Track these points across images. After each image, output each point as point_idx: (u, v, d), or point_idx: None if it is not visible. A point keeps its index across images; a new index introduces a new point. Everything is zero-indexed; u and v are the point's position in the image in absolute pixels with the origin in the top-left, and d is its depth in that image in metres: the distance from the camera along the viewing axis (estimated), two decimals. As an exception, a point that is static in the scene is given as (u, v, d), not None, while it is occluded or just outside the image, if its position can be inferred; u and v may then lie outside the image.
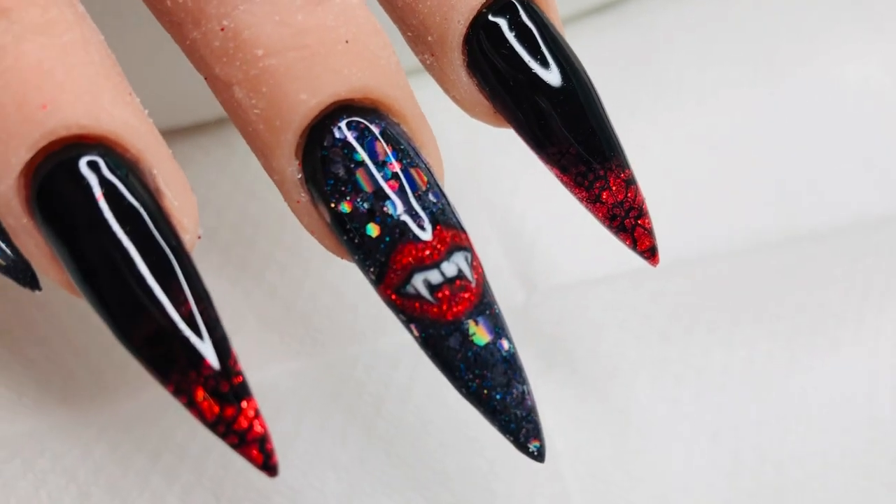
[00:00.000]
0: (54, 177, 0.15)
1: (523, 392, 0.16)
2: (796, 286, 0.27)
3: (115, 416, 0.24)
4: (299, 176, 0.16)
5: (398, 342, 0.25)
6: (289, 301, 0.26)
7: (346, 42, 0.16)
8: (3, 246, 0.16)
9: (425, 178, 0.16)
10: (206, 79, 0.16)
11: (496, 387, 0.16)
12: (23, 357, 0.25)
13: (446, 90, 0.18)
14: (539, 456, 0.16)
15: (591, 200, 0.18)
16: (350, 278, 0.26)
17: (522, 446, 0.16)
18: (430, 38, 0.18)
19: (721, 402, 0.25)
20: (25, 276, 0.16)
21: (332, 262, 0.27)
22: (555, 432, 0.24)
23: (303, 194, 0.16)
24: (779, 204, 0.28)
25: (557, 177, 0.18)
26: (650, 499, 0.23)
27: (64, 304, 0.26)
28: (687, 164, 0.28)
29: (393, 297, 0.16)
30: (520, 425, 0.16)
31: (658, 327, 0.26)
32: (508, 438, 0.16)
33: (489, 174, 0.27)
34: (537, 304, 0.26)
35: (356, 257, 0.16)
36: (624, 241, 0.18)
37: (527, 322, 0.25)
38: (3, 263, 0.16)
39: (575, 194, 0.18)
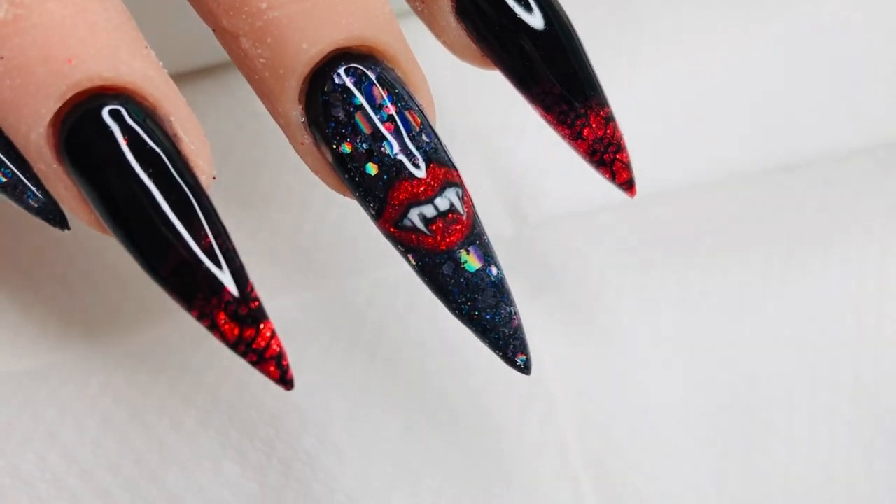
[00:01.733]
0: (81, 125, 0.16)
1: (510, 312, 0.18)
2: (769, 216, 0.28)
3: (133, 347, 0.25)
4: (303, 119, 0.17)
5: (396, 275, 0.27)
6: (291, 239, 0.27)
7: (342, -6, 0.17)
8: (35, 190, 0.17)
9: (419, 120, 0.17)
10: (213, 30, 0.18)
11: (486, 308, 0.17)
12: (44, 295, 0.26)
13: (436, 35, 0.20)
14: (525, 368, 0.18)
15: (573, 137, 0.19)
16: (348, 217, 0.28)
17: (510, 360, 0.18)
18: (420, -13, 0.19)
19: (698, 324, 0.26)
20: (55, 216, 0.17)
21: (330, 202, 0.29)
22: (544, 354, 0.26)
23: (306, 137, 0.18)
24: (753, 137, 0.29)
25: (541, 115, 0.20)
26: (632, 413, 0.25)
27: (80, 244, 0.27)
28: (666, 100, 0.29)
29: (391, 229, 0.17)
30: (507, 342, 0.18)
31: (640, 256, 0.27)
32: (498, 354, 0.18)
33: (479, 114, 0.28)
34: (526, 235, 0.27)
35: (357, 194, 0.17)
36: (604, 174, 0.20)
37: (517, 253, 0.27)
38: (35, 205, 0.17)
39: (558, 132, 0.20)
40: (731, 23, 0.30)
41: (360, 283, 0.27)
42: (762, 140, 0.29)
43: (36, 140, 0.16)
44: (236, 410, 0.24)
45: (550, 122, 0.19)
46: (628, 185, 0.20)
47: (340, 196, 0.27)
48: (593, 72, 0.20)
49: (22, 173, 0.17)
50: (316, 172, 0.18)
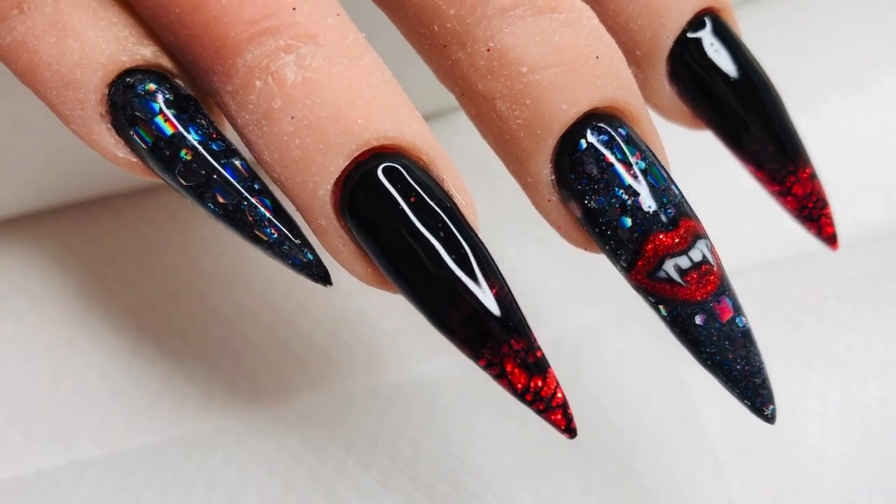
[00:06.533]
0: (366, 182, 0.17)
1: (760, 363, 0.18)
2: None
3: (303, 411, 0.26)
4: (552, 178, 0.18)
5: (557, 333, 0.27)
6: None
7: (597, 58, 0.18)
8: (302, 247, 0.17)
9: (666, 175, 0.18)
10: (460, 95, 0.18)
11: (737, 358, 0.18)
12: (206, 361, 0.26)
13: (647, 98, 0.21)
14: (772, 419, 0.18)
15: (783, 193, 0.20)
16: (516, 276, 0.28)
17: (758, 410, 0.18)
18: (638, 53, 0.20)
19: (846, 381, 0.27)
20: (320, 273, 0.18)
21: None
22: (704, 412, 0.26)
23: (554, 194, 0.18)
24: (891, 196, 0.30)
25: (752, 173, 0.20)
26: (794, 467, 0.25)
27: (239, 309, 0.27)
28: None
29: (644, 281, 0.18)
30: (757, 392, 0.18)
31: (789, 315, 0.28)
32: (745, 404, 0.18)
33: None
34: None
35: (607, 247, 0.18)
36: (810, 229, 0.20)
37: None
38: (303, 261, 0.17)
39: (767, 188, 0.20)
40: (864, 87, 0.31)
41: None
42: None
43: (322, 196, 0.17)
44: (415, 470, 0.24)
45: (761, 179, 0.20)
46: (832, 240, 0.20)
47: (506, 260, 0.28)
48: (797, 133, 0.21)
49: (289, 231, 0.17)
50: (558, 228, 0.19)
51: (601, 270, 0.29)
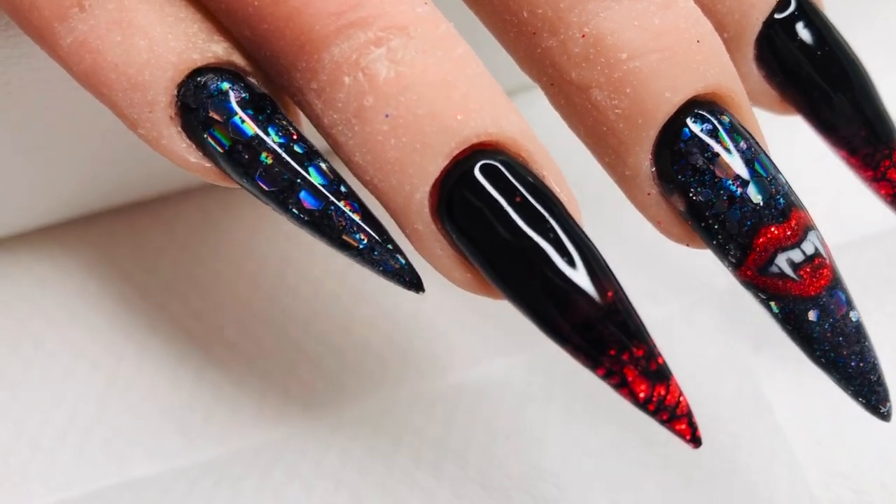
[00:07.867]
0: (465, 182, 0.16)
1: (874, 359, 0.17)
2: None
3: (362, 418, 0.25)
4: (652, 170, 0.17)
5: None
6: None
7: (698, 42, 0.17)
8: (394, 253, 0.16)
9: (772, 164, 0.17)
10: (549, 84, 0.17)
11: (851, 355, 0.17)
12: (258, 370, 0.25)
13: (734, 82, 0.20)
14: (888, 416, 0.17)
15: (877, 179, 0.19)
16: None
17: (874, 408, 0.17)
18: (725, 35, 0.19)
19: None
20: (412, 279, 0.17)
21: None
22: (775, 405, 0.26)
23: (654, 187, 0.17)
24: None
25: (845, 159, 0.19)
26: (872, 459, 0.25)
27: (289, 317, 0.26)
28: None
29: (755, 277, 0.17)
30: (872, 389, 0.17)
31: (856, 300, 0.27)
32: (860, 402, 0.17)
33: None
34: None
35: (714, 242, 0.17)
36: (905, 215, 0.19)
37: (737, 302, 0.26)
38: (395, 267, 0.16)
39: (860, 174, 0.19)
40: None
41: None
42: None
43: (420, 199, 0.16)
44: (487, 478, 0.23)
45: (854, 165, 0.19)
46: (928, 227, 0.20)
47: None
48: (889, 115, 0.20)
49: (378, 236, 0.16)
50: (657, 223, 0.18)
51: (662, 265, 0.29)
